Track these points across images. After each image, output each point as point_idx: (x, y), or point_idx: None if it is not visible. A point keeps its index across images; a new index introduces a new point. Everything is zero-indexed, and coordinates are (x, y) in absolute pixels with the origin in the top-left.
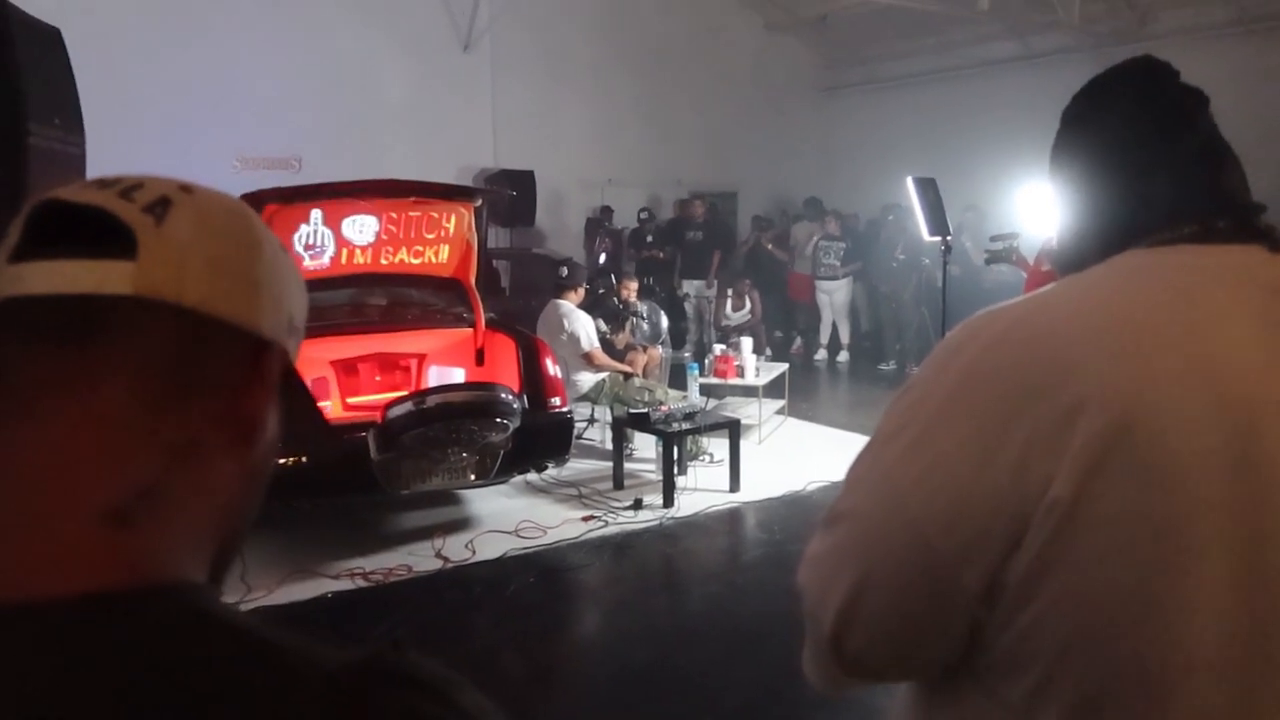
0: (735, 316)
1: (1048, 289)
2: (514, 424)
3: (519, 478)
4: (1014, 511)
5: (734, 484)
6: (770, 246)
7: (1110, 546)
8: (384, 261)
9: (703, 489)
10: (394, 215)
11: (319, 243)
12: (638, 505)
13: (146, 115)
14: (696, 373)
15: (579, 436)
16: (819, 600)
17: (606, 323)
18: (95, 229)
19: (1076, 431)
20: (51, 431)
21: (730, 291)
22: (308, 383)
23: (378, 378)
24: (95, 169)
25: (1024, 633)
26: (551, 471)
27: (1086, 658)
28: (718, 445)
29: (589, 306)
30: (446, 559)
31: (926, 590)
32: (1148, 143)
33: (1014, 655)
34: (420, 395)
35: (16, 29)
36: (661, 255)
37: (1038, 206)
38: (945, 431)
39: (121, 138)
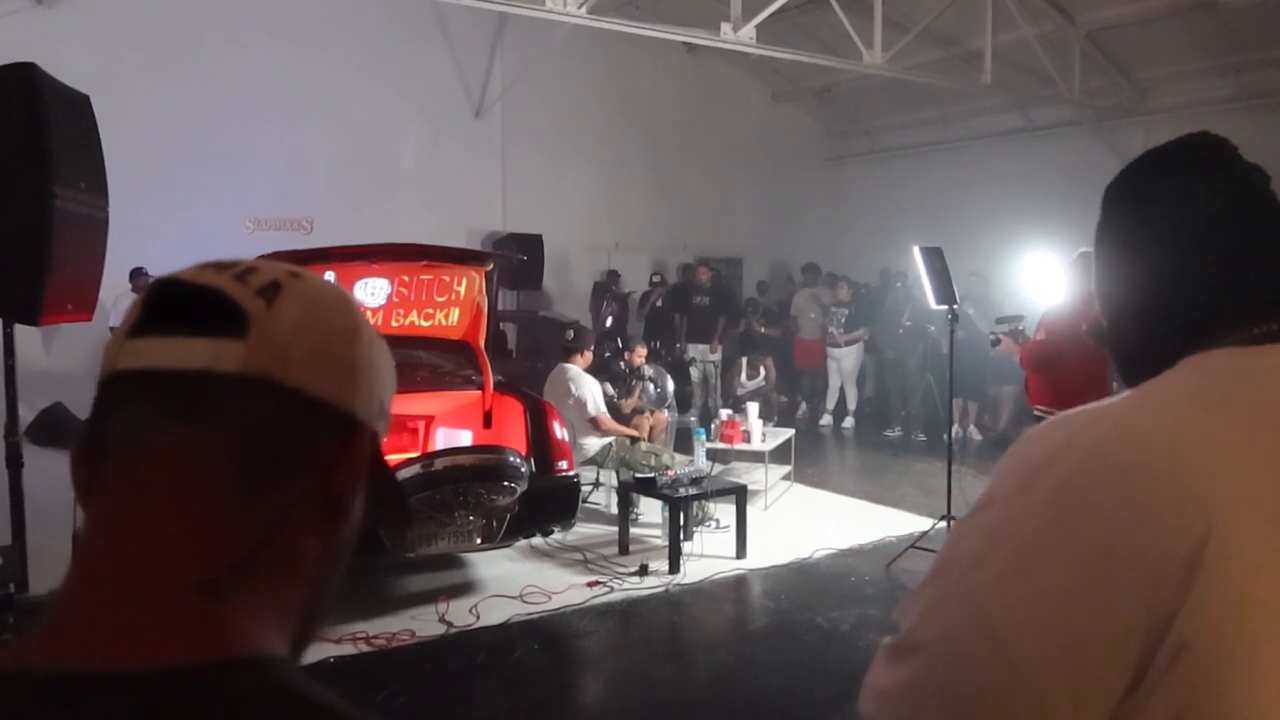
0: (750, 385)
1: (1138, 394)
2: (521, 487)
3: (524, 542)
4: (1137, 655)
5: (740, 550)
6: (763, 329)
7: (1252, 708)
8: (394, 324)
9: (709, 555)
10: (406, 278)
11: None
12: (643, 571)
13: (164, 179)
14: (704, 438)
15: (585, 500)
16: None
17: (614, 386)
18: (210, 309)
19: (1204, 571)
20: (155, 501)
21: (745, 361)
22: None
23: (385, 439)
24: (117, 231)
25: None
26: (557, 536)
27: None
28: (724, 511)
29: (596, 370)
30: (450, 624)
31: None
32: (1226, 224)
33: None
34: (428, 458)
35: (48, 94)
36: (659, 304)
37: (1042, 277)
38: (1049, 561)
39: (141, 200)
